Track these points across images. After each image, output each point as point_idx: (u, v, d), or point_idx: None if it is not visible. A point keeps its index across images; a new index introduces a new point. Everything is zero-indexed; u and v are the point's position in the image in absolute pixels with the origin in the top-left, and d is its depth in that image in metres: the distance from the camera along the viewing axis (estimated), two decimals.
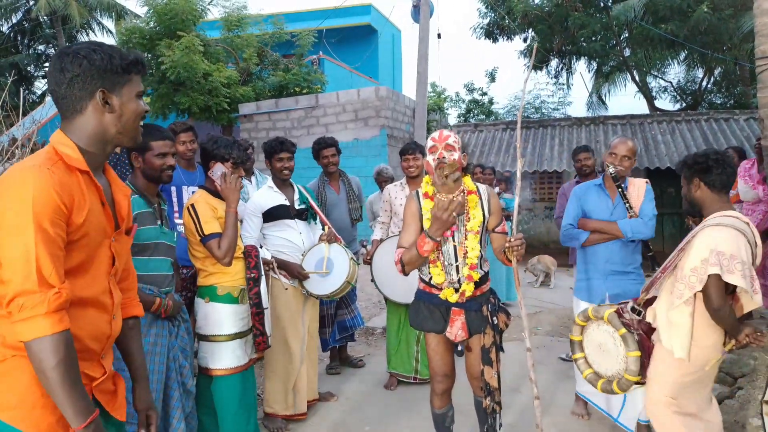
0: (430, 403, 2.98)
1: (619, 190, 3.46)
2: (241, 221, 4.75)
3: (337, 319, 4.75)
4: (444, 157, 2.68)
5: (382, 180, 6.01)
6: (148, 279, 2.57)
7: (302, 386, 3.76)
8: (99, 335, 1.57)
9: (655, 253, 3.64)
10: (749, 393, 3.58)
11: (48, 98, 19.15)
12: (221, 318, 2.93)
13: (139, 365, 1.84)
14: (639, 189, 3.46)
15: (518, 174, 2.73)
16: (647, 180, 3.57)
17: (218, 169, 2.97)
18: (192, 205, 2.92)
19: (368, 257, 4.32)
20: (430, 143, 2.76)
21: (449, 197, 2.68)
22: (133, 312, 1.85)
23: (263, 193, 3.80)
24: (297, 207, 3.78)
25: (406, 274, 2.73)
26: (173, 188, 4.01)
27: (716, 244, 2.44)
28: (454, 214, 2.52)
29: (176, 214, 4.01)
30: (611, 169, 3.57)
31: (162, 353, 2.58)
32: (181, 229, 3.95)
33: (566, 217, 3.65)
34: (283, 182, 3.85)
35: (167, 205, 4.00)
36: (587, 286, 3.61)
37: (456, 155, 2.70)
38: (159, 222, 2.65)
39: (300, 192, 3.89)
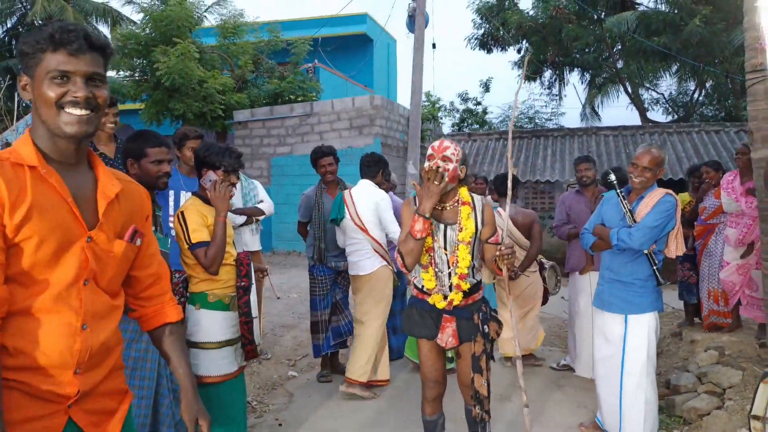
0: (421, 410, 2.99)
1: (621, 198, 3.44)
2: (234, 227, 4.78)
3: (331, 325, 4.75)
4: (438, 167, 2.71)
5: (384, 188, 6.00)
6: None
7: (386, 357, 4.46)
8: (61, 348, 1.36)
9: (661, 266, 3.40)
10: (738, 404, 3.60)
11: None
12: (211, 325, 2.90)
13: (183, 373, 1.73)
14: (652, 200, 3.34)
15: (509, 183, 2.76)
16: (669, 191, 3.39)
17: (209, 177, 2.96)
18: (182, 213, 2.90)
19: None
20: (429, 151, 2.79)
21: (432, 172, 2.69)
22: (165, 319, 1.71)
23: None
24: None
25: (407, 268, 2.78)
26: (171, 192, 4.01)
27: None
28: (436, 183, 2.64)
29: (171, 219, 4.02)
30: (611, 177, 3.59)
31: (154, 360, 2.55)
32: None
33: (588, 223, 3.70)
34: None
35: (163, 210, 4.02)
36: (597, 292, 3.63)
37: (452, 166, 2.73)
38: (154, 228, 2.65)
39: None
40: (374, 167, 4.61)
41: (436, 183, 2.66)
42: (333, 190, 4.82)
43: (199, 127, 12.94)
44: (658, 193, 3.38)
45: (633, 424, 3.38)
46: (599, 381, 3.62)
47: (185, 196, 4.05)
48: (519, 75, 18.36)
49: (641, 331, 3.38)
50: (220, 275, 2.91)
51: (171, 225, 3.96)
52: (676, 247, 3.42)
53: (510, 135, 2.78)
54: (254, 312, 2.89)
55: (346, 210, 4.42)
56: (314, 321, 4.75)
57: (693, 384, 4.06)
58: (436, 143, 2.79)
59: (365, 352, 4.31)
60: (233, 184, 3.04)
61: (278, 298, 4.19)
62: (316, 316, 4.74)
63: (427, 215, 2.65)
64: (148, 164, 2.59)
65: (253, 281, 2.96)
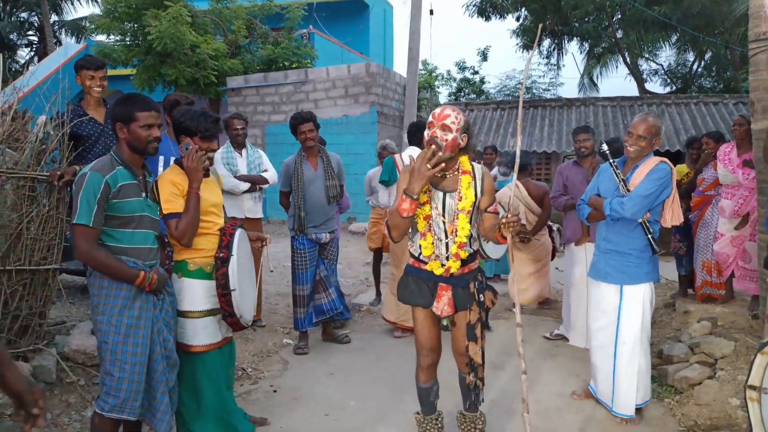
0: (416, 378, 2.99)
1: (614, 168, 3.43)
2: (237, 193, 4.74)
3: (314, 302, 4.71)
4: (437, 136, 2.65)
5: (386, 155, 5.96)
6: (133, 252, 2.53)
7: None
8: None
9: (659, 237, 3.40)
10: (730, 374, 3.64)
11: (31, 67, 18.73)
12: (194, 294, 2.84)
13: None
14: (646, 168, 3.32)
15: (518, 152, 2.72)
16: (663, 159, 3.36)
17: (186, 145, 2.85)
18: (156, 182, 2.82)
19: None
20: (429, 118, 2.72)
21: (431, 152, 2.61)
22: None
23: None
24: None
25: (393, 239, 2.75)
26: (161, 158, 3.95)
27: None
28: (428, 166, 2.57)
29: None
30: (604, 147, 3.57)
31: (146, 326, 2.54)
32: None
33: (585, 194, 3.69)
34: None
35: (153, 176, 3.95)
36: (593, 262, 3.63)
37: (451, 136, 2.66)
38: (144, 194, 2.59)
39: None
40: (419, 133, 4.68)
41: (428, 166, 2.57)
42: (313, 157, 4.67)
43: (191, 94, 12.77)
44: (651, 162, 3.36)
45: (625, 391, 3.42)
46: (594, 350, 3.65)
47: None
48: (518, 43, 18.11)
49: (636, 301, 3.40)
50: (202, 244, 2.85)
51: None
52: (671, 217, 3.40)
53: (520, 109, 2.67)
54: (234, 284, 2.76)
55: (398, 172, 4.94)
56: (294, 294, 4.67)
57: (685, 354, 4.09)
58: (437, 110, 2.71)
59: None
60: (212, 151, 2.93)
61: (271, 271, 4.16)
62: (297, 289, 4.64)
63: (415, 196, 2.59)
64: (138, 129, 2.53)
65: (235, 252, 2.82)
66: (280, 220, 11.58)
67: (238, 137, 4.97)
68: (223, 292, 2.77)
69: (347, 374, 4.27)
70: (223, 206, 3.11)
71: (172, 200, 2.76)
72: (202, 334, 2.87)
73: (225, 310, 2.81)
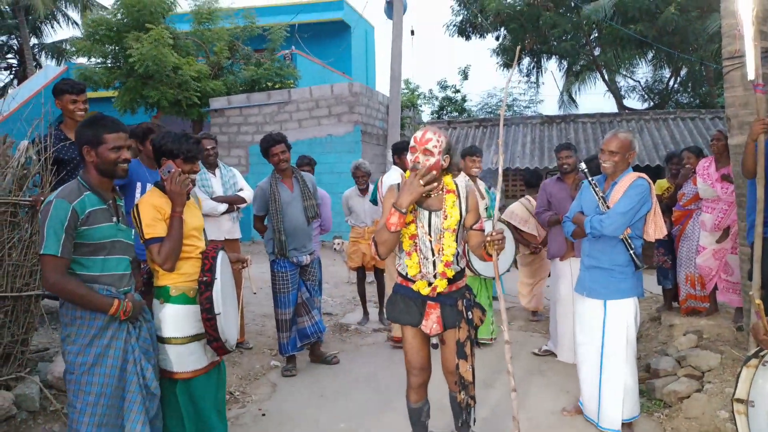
0: (406, 398, 2.98)
1: (592, 186, 3.49)
2: (216, 215, 4.70)
3: (297, 326, 4.64)
4: (419, 162, 2.68)
5: (359, 175, 6.00)
6: (105, 279, 2.45)
7: None
8: None
9: (642, 252, 3.44)
10: (717, 386, 3.66)
11: (10, 91, 18.58)
12: (177, 320, 2.77)
13: None
14: (624, 185, 3.38)
15: (500, 170, 2.75)
16: (641, 175, 3.42)
17: (167, 168, 2.79)
18: (137, 206, 2.77)
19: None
20: (411, 142, 2.74)
21: (423, 169, 2.65)
22: None
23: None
24: None
25: (380, 256, 2.75)
26: (138, 185, 3.94)
27: None
28: (421, 182, 2.61)
29: None
30: (582, 166, 3.64)
31: (116, 356, 2.44)
32: None
33: (570, 211, 3.75)
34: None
35: (129, 202, 3.92)
36: (578, 278, 3.67)
37: (433, 160, 2.68)
38: (115, 219, 2.52)
39: None
40: (402, 154, 5.05)
41: (420, 182, 2.61)
42: (288, 179, 4.61)
43: (174, 115, 12.74)
44: (629, 178, 3.41)
45: (611, 407, 3.43)
46: (580, 365, 3.66)
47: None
48: (498, 62, 18.36)
49: (620, 316, 3.43)
50: (184, 268, 2.79)
51: None
52: (654, 230, 3.45)
53: (501, 126, 2.74)
54: (219, 308, 2.71)
55: (378, 193, 5.25)
56: (277, 319, 4.59)
57: (672, 368, 4.12)
58: (419, 134, 2.73)
59: None
60: (194, 173, 2.90)
61: (254, 293, 4.13)
62: (279, 314, 4.56)
63: (404, 210, 2.62)
64: (107, 151, 2.44)
65: (219, 275, 2.77)
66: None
67: (209, 157, 4.85)
68: (208, 316, 2.69)
69: (337, 396, 4.22)
70: (203, 229, 3.05)
71: (153, 225, 2.70)
72: (188, 360, 2.80)
73: (210, 334, 2.74)
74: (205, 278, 2.73)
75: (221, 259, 2.86)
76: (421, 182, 2.61)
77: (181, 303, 2.78)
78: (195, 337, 2.82)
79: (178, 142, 2.83)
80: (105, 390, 2.41)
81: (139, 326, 2.58)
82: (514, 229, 5.70)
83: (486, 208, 5.11)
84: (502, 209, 5.97)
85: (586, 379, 3.59)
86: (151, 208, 2.73)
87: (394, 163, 5.29)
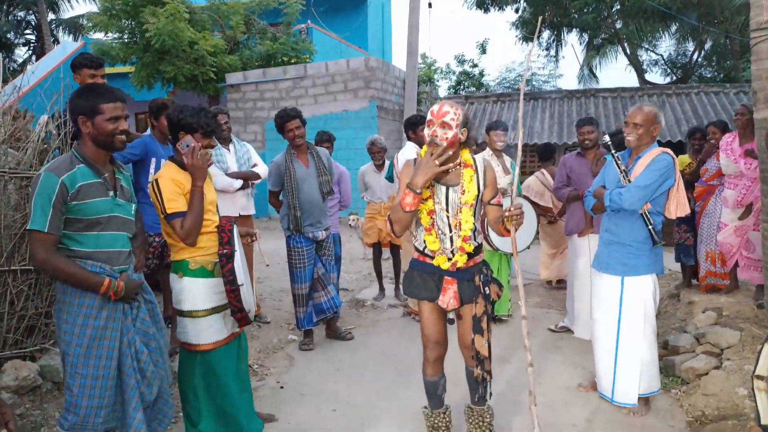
0: (423, 372, 3.00)
1: (615, 159, 3.44)
2: (232, 191, 4.71)
3: (313, 300, 4.65)
4: (437, 135, 2.65)
5: (375, 150, 5.96)
6: (100, 256, 2.34)
7: None
8: None
9: (661, 228, 3.41)
10: (736, 364, 3.64)
11: (29, 66, 18.70)
12: (196, 293, 2.81)
13: None
14: (647, 159, 3.32)
15: (519, 145, 2.72)
16: (665, 150, 3.35)
17: (186, 142, 2.79)
18: (156, 181, 2.76)
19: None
20: (428, 116, 2.71)
21: (440, 149, 2.63)
22: None
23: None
24: None
25: (395, 233, 2.73)
26: (153, 160, 3.98)
27: None
28: (437, 162, 2.58)
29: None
30: (606, 138, 3.58)
31: (113, 337, 2.36)
32: None
33: (593, 185, 3.74)
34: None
35: (144, 178, 3.95)
36: (596, 254, 3.65)
37: (451, 133, 2.65)
38: (112, 193, 2.39)
39: None
40: (414, 128, 5.07)
41: (436, 162, 2.58)
42: (303, 154, 4.58)
43: (190, 91, 12.76)
44: (653, 153, 3.35)
45: (627, 382, 3.43)
46: (595, 342, 3.66)
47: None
48: (518, 35, 18.04)
49: (637, 292, 3.41)
50: (202, 242, 2.81)
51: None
52: (676, 208, 3.39)
53: (521, 102, 2.71)
54: (241, 279, 2.75)
55: (394, 170, 5.28)
56: (294, 293, 4.61)
57: (691, 345, 4.09)
58: (435, 107, 2.69)
59: None
60: (211, 147, 2.91)
61: (267, 265, 4.18)
62: (295, 288, 4.57)
63: (418, 191, 2.59)
64: (104, 122, 2.31)
65: (237, 248, 2.81)
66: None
67: (222, 132, 4.78)
68: (232, 288, 2.73)
69: (353, 370, 4.27)
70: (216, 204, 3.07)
71: (175, 199, 2.71)
72: (209, 331, 2.85)
73: (234, 305, 2.77)
74: (225, 251, 2.76)
75: (236, 232, 2.90)
76: (437, 162, 2.58)
77: (200, 276, 2.81)
78: (214, 310, 2.85)
79: (196, 116, 2.82)
80: (103, 372, 2.33)
81: (137, 306, 2.49)
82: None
83: (510, 183, 5.07)
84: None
85: (602, 355, 3.58)
86: (171, 182, 2.73)
87: (409, 139, 5.23)
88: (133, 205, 2.53)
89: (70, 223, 2.28)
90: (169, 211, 2.71)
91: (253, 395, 3.24)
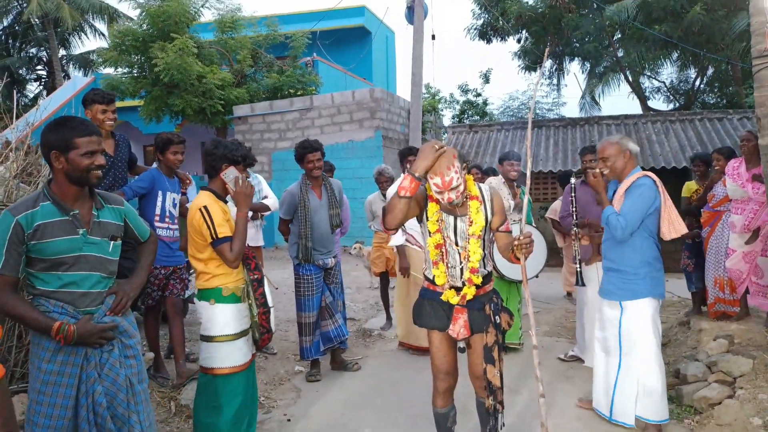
0: (432, 403, 2.96)
1: (572, 190, 3.69)
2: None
3: (321, 329, 4.63)
4: (453, 201, 2.70)
5: (383, 180, 6.00)
6: (63, 296, 2.20)
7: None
8: None
9: (661, 253, 3.53)
10: (749, 392, 3.58)
11: (40, 101, 19.04)
12: (227, 318, 2.97)
13: None
14: (626, 184, 3.47)
15: (528, 173, 2.74)
16: (646, 173, 3.46)
17: (231, 173, 3.00)
18: (205, 207, 2.90)
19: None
20: (434, 188, 2.70)
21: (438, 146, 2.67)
22: None
23: None
24: None
25: (386, 224, 2.71)
26: (159, 192, 4.05)
27: None
28: (435, 147, 2.62)
29: (157, 218, 4.04)
30: (572, 180, 3.89)
31: (69, 385, 2.18)
32: (161, 233, 4.01)
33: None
34: None
35: (149, 210, 4.02)
36: (601, 281, 3.75)
37: (462, 188, 2.71)
38: (83, 231, 2.24)
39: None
40: (407, 158, 5.19)
41: (435, 147, 2.63)
42: (318, 186, 4.63)
43: (198, 123, 12.93)
44: (632, 178, 3.46)
45: (624, 405, 3.50)
46: (596, 360, 3.76)
47: (170, 198, 4.09)
48: (520, 65, 18.25)
49: (636, 316, 3.48)
50: (232, 270, 2.98)
51: (158, 226, 4.03)
52: (669, 230, 3.44)
53: (530, 125, 2.76)
54: (270, 302, 3.00)
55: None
56: (300, 322, 4.58)
57: (703, 373, 4.03)
58: (438, 180, 2.66)
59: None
60: (247, 178, 3.17)
61: (276, 288, 4.28)
62: (303, 317, 4.55)
63: (417, 174, 2.60)
64: (79, 157, 2.19)
65: (265, 273, 3.02)
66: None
67: None
68: (264, 310, 2.98)
69: (361, 401, 4.22)
70: None
71: (223, 225, 2.90)
72: (237, 355, 3.01)
73: (264, 327, 3.01)
74: (255, 276, 2.99)
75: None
76: (435, 147, 2.62)
77: (231, 302, 2.99)
78: (242, 333, 3.02)
79: (237, 149, 3.06)
80: (55, 423, 2.15)
81: (109, 351, 2.27)
82: (556, 223, 6.13)
83: (509, 207, 5.13)
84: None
85: (602, 374, 3.68)
86: (219, 209, 2.94)
87: (403, 171, 5.23)
88: (112, 243, 2.34)
89: (32, 262, 2.18)
90: (220, 236, 2.87)
91: (257, 428, 3.33)
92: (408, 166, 5.14)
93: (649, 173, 3.46)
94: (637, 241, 3.42)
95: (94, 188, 2.33)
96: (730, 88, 17.29)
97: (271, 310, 2.99)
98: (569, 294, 7.33)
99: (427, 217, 2.81)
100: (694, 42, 14.08)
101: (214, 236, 2.86)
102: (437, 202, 2.77)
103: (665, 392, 3.48)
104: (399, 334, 5.43)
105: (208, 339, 2.97)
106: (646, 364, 3.44)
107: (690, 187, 5.92)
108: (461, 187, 2.70)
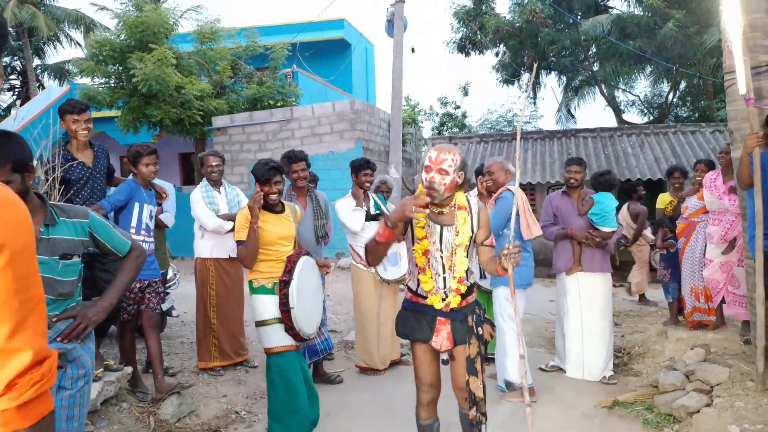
0: (416, 415, 2.96)
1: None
2: (222, 233, 4.73)
3: (307, 343, 4.61)
4: (434, 182, 2.68)
5: (384, 190, 5.96)
6: None
7: (381, 349, 5.00)
8: None
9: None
10: (727, 401, 3.64)
11: (14, 111, 18.70)
12: (263, 305, 3.47)
13: None
14: (494, 198, 4.47)
15: (516, 184, 2.77)
16: (507, 188, 4.34)
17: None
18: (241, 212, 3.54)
19: None
20: (426, 161, 2.74)
21: (424, 193, 2.67)
22: None
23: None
24: (372, 212, 4.95)
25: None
26: (135, 204, 3.98)
27: None
28: (413, 209, 2.53)
29: (133, 230, 3.95)
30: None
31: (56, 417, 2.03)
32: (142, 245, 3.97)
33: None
34: (364, 193, 4.97)
35: (124, 221, 3.92)
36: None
37: (448, 179, 2.69)
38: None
39: (375, 201, 5.09)
40: (358, 171, 5.02)
41: (413, 208, 2.52)
42: (303, 197, 4.61)
43: (177, 134, 12.80)
44: (500, 192, 4.45)
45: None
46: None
47: (147, 209, 4.03)
48: (498, 78, 18.50)
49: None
50: (263, 268, 3.49)
51: (134, 238, 3.95)
52: (526, 231, 4.34)
53: (518, 138, 2.80)
54: (293, 303, 3.36)
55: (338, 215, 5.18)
56: None
57: (681, 382, 4.09)
58: (434, 154, 2.71)
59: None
60: (272, 193, 3.57)
61: (327, 295, 4.86)
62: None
63: (389, 224, 2.61)
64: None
65: (295, 277, 3.39)
66: None
67: (213, 174, 4.84)
68: (284, 309, 3.40)
69: (344, 414, 4.20)
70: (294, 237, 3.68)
71: (240, 230, 3.45)
72: (277, 336, 3.45)
73: (286, 323, 3.42)
74: (284, 278, 3.43)
75: (303, 263, 3.51)
76: (413, 209, 2.53)
77: (261, 293, 3.50)
78: (279, 320, 3.45)
79: (257, 169, 3.55)
80: None
81: (60, 375, 2.10)
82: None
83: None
84: None
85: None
86: (244, 217, 3.47)
87: (355, 183, 5.06)
88: (62, 263, 2.15)
89: None
90: (236, 239, 3.48)
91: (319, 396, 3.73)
92: (363, 179, 4.97)
93: (509, 187, 4.35)
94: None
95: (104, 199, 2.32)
96: (702, 102, 17.73)
97: (293, 310, 3.36)
98: (642, 297, 7.65)
99: (412, 225, 2.81)
100: (666, 57, 14.43)
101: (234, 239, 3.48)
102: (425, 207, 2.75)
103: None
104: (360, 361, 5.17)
105: (257, 323, 3.51)
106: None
107: (664, 199, 6.05)
108: (448, 182, 2.68)
